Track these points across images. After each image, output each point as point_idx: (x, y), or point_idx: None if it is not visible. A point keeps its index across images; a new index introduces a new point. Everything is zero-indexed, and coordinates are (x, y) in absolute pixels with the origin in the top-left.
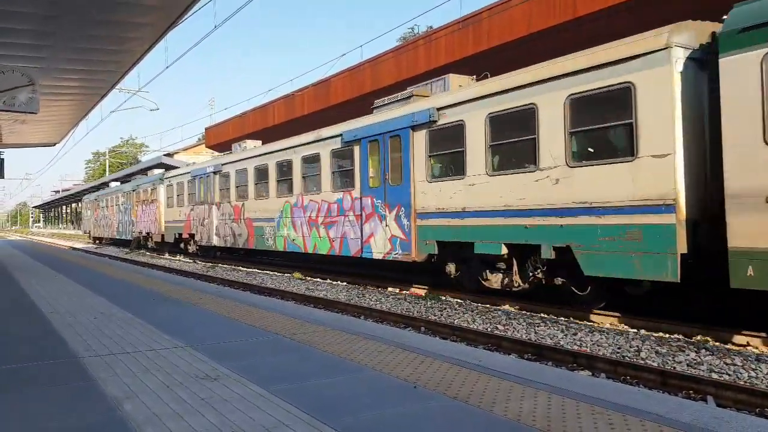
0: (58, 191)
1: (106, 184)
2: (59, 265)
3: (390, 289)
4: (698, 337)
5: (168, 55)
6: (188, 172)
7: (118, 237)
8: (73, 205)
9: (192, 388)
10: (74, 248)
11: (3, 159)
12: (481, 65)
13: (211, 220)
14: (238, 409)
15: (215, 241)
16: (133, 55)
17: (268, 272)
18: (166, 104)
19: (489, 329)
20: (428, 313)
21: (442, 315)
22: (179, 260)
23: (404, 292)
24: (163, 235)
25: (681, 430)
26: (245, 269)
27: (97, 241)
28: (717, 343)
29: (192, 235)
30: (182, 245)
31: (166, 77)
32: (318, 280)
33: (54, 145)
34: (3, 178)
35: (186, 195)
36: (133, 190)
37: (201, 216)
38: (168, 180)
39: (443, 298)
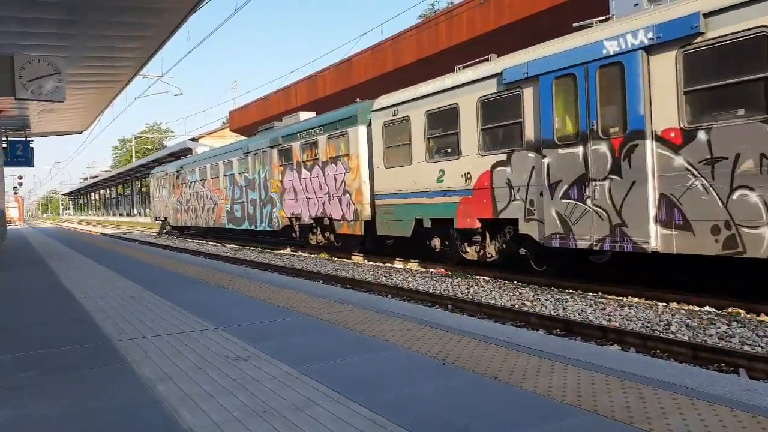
0: (86, 178)
1: (172, 156)
2: (90, 251)
3: (416, 267)
4: (729, 310)
5: (190, 40)
6: (483, 78)
7: (230, 226)
8: (102, 191)
9: (223, 369)
10: (104, 234)
11: (32, 148)
12: (503, 40)
13: (637, 185)
14: (268, 388)
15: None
16: (156, 40)
17: (295, 254)
18: (190, 89)
19: (516, 306)
20: (455, 290)
21: (468, 292)
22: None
23: (430, 270)
24: (366, 222)
25: (713, 403)
26: (272, 251)
27: (176, 232)
28: (749, 316)
29: (492, 224)
30: (434, 243)
31: (188, 62)
32: (344, 260)
33: (81, 132)
34: (33, 166)
35: (471, 135)
36: (273, 147)
37: (564, 175)
38: (382, 113)
39: (470, 275)
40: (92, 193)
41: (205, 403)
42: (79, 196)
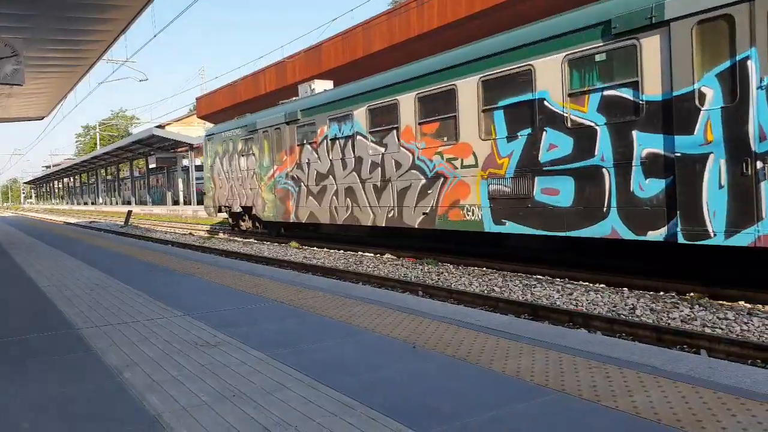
0: (49, 166)
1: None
2: (53, 240)
3: (387, 255)
4: (692, 294)
5: (155, 24)
6: None
7: (503, 227)
8: (65, 180)
9: (191, 355)
10: (68, 223)
11: None
12: (475, 27)
13: None
14: (238, 373)
15: None
16: (119, 23)
17: (265, 242)
18: (156, 75)
19: (486, 291)
20: (426, 277)
21: (439, 279)
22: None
23: (401, 258)
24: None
25: (677, 381)
26: (242, 240)
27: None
28: (710, 299)
29: None
30: None
31: (154, 47)
32: (315, 249)
33: (42, 118)
34: None
35: None
36: None
37: None
38: None
39: (440, 263)
40: (55, 182)
41: (173, 389)
42: (42, 185)
